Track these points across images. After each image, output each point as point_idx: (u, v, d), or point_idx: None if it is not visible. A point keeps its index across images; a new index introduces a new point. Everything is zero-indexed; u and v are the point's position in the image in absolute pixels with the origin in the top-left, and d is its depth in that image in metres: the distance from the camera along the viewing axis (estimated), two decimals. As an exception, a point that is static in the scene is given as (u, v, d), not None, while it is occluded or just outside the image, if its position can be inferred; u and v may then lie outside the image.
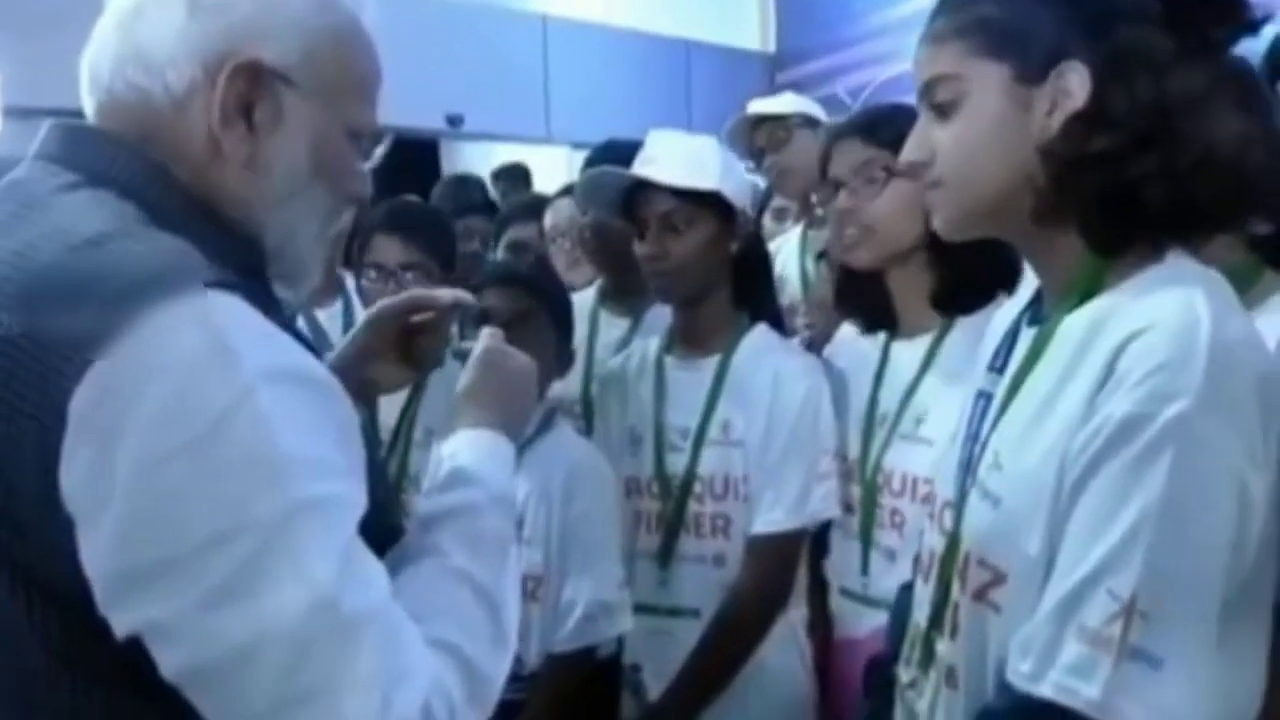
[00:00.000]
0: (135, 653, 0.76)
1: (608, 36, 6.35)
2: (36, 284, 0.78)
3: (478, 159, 5.93)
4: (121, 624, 0.76)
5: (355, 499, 0.82)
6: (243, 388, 0.76)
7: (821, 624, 1.79)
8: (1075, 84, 0.94)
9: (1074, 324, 0.96)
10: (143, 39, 0.89)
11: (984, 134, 0.98)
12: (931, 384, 1.59)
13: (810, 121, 2.80)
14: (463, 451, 1.00)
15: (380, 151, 1.01)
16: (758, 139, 2.81)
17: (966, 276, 1.55)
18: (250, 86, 0.89)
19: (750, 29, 7.04)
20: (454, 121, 5.30)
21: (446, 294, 1.28)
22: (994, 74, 0.98)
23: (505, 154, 6.09)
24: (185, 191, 0.89)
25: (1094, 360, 0.91)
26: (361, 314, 1.47)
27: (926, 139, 1.02)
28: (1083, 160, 0.94)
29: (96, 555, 0.75)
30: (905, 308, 1.66)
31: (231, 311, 0.79)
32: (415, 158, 3.79)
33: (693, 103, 6.48)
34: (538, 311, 1.77)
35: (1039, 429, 0.95)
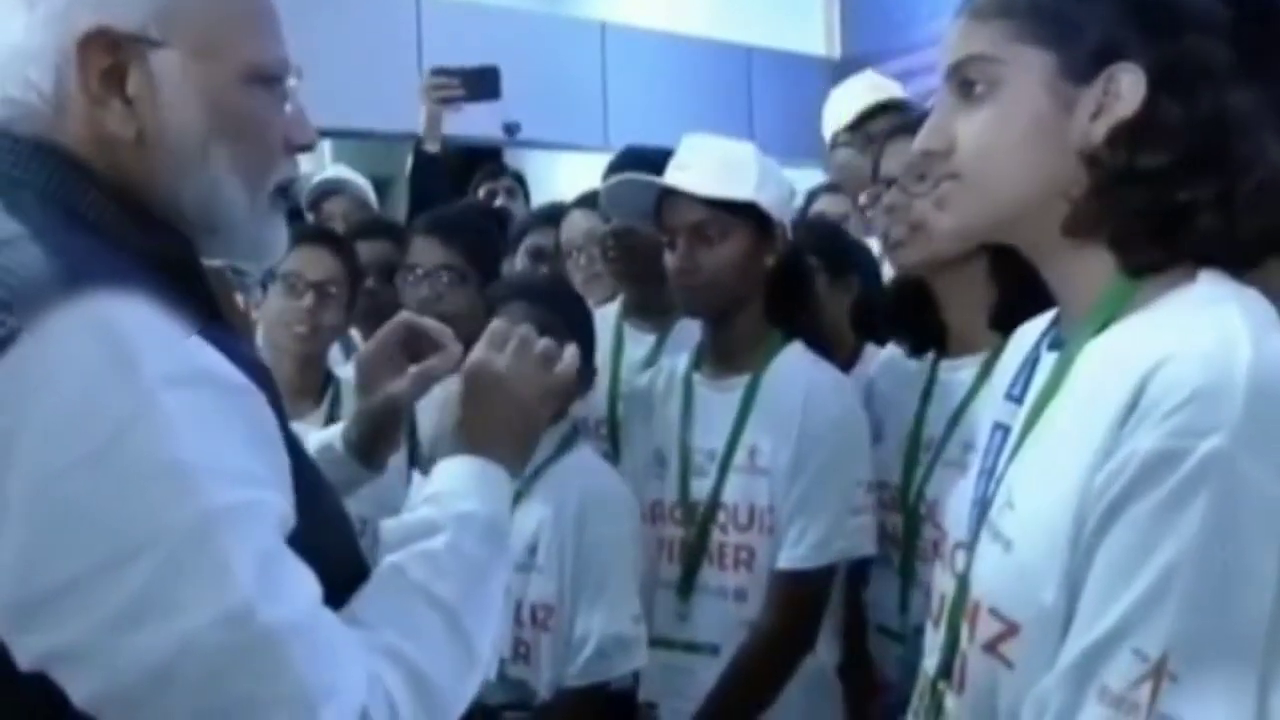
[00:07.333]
0: (48, 687, 0.72)
1: (667, 43, 6.26)
2: None
3: (540, 167, 5.91)
4: (26, 653, 0.72)
5: (275, 506, 0.79)
6: (143, 394, 0.73)
7: (859, 664, 1.68)
8: (1128, 88, 0.86)
9: (1097, 350, 0.88)
10: None
11: (1016, 129, 0.90)
12: (985, 407, 1.47)
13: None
14: (434, 479, 0.99)
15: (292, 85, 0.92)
16: (877, 125, 2.58)
17: (1031, 290, 1.42)
18: (112, 58, 0.83)
19: (814, 34, 6.88)
20: (510, 129, 5.23)
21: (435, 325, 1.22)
22: (1037, 63, 0.89)
23: (565, 162, 6.06)
24: (103, 186, 0.84)
25: (1117, 390, 0.82)
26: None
27: (947, 126, 0.93)
28: (1130, 175, 0.87)
29: None
30: (956, 324, 1.55)
31: (131, 314, 0.75)
32: (479, 165, 3.90)
33: (754, 109, 6.37)
34: (553, 326, 1.68)
35: (1055, 466, 0.86)
